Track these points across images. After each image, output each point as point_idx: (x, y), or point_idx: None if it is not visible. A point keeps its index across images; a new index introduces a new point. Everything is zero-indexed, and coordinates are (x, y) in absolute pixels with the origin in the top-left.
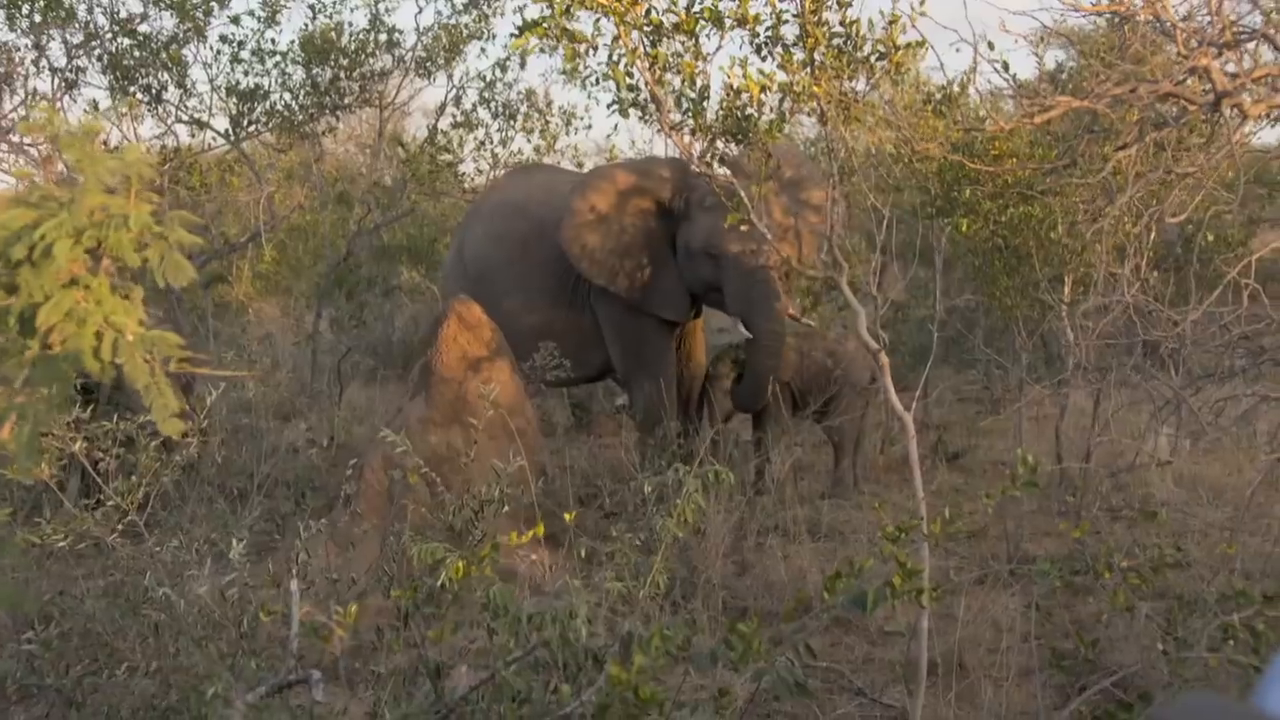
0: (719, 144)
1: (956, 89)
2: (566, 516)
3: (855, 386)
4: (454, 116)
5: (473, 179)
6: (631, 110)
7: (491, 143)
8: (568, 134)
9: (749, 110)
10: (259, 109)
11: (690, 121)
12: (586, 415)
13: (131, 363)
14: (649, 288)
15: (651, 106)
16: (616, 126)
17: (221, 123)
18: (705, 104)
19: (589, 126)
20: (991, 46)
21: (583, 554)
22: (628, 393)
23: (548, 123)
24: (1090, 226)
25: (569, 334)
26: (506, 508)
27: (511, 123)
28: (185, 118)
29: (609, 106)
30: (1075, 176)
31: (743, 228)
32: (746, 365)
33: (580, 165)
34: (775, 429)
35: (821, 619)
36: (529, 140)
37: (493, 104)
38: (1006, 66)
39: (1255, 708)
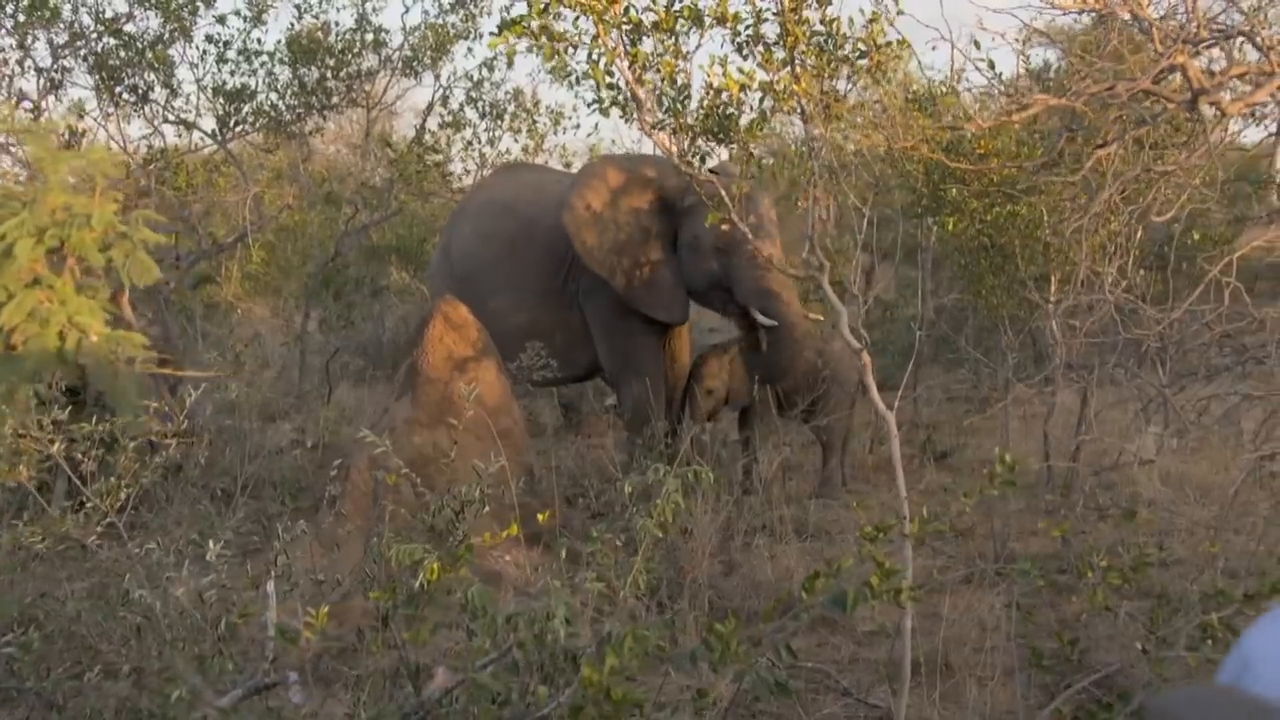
0: (700, 143)
1: (945, 88)
2: (540, 517)
3: (843, 386)
4: (441, 116)
5: (460, 179)
6: (613, 109)
7: (479, 142)
8: (556, 134)
9: (730, 109)
10: (246, 109)
11: (671, 120)
12: (576, 415)
13: (95, 363)
14: (648, 287)
15: (632, 106)
16: (597, 126)
17: (208, 123)
18: (686, 103)
19: (577, 126)
20: (977, 45)
21: (564, 554)
22: (616, 392)
23: (535, 122)
24: (1071, 225)
25: (557, 333)
26: (487, 508)
27: (499, 122)
28: (172, 118)
29: (589, 106)
30: (1057, 175)
31: (723, 226)
32: (770, 346)
33: (568, 165)
34: (763, 428)
35: (802, 619)
36: (516, 140)
37: (480, 104)
38: (992, 65)
39: (1247, 695)
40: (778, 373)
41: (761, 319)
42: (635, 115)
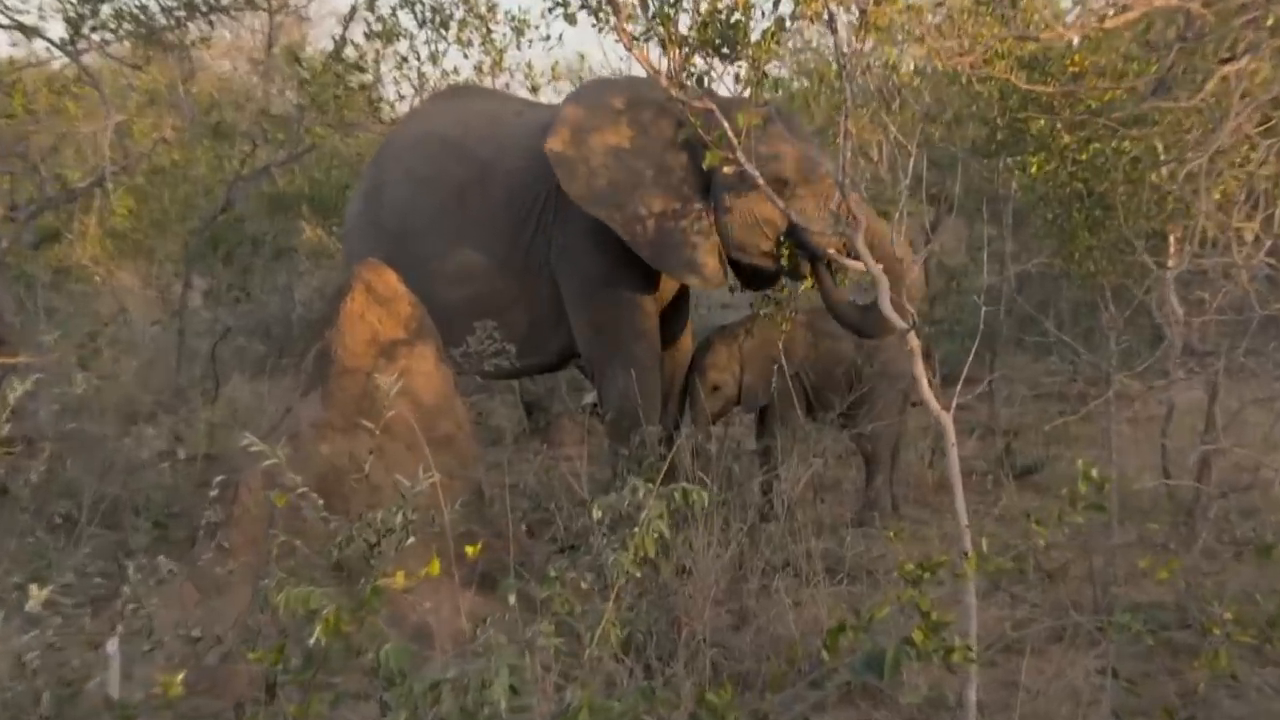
0: (698, 60)
1: None
2: (469, 550)
3: (893, 380)
4: (368, 24)
5: (393, 106)
6: (581, 15)
7: (418, 59)
8: (518, 48)
9: (736, 17)
10: (106, 10)
11: (659, 31)
12: (543, 417)
13: None
14: (669, 242)
15: (607, 11)
16: (561, 36)
17: (56, 29)
18: (678, 8)
19: (545, 38)
20: None
21: (512, 600)
22: (597, 386)
23: (490, 33)
24: (1189, 165)
25: (518, 309)
26: (412, 539)
27: (443, 33)
28: (5, 21)
29: (549, 10)
30: (1172, 100)
31: (726, 169)
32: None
33: (535, 90)
34: (786, 435)
35: (826, 687)
36: (467, 56)
37: (419, 8)
38: None
39: None
40: (877, 329)
41: (857, 265)
42: (611, 23)
